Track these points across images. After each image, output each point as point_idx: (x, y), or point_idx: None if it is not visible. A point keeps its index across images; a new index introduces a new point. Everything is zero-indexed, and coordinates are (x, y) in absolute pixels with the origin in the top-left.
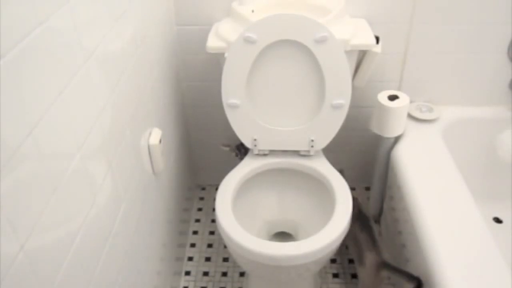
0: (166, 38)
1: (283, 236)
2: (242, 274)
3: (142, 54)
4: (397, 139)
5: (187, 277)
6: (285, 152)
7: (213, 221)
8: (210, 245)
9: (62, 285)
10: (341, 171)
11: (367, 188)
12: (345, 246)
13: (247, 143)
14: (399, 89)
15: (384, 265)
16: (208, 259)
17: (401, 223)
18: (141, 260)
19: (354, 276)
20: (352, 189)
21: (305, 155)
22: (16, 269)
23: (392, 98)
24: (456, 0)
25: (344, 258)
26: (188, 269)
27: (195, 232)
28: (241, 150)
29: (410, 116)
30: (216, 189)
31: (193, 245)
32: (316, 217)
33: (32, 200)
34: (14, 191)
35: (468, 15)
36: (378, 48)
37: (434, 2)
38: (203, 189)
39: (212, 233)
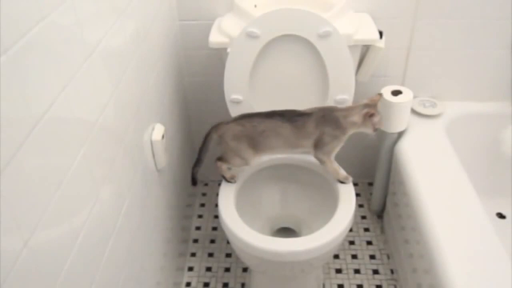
0: (168, 33)
1: (286, 231)
2: (245, 269)
3: (144, 49)
4: (400, 134)
5: (190, 273)
6: None
7: (216, 216)
8: (213, 241)
9: (67, 281)
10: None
11: (370, 184)
12: (347, 241)
13: None
14: (402, 84)
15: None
16: (211, 254)
17: (404, 219)
18: (144, 255)
19: (357, 271)
20: (355, 184)
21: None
22: (20, 266)
23: (396, 93)
24: None
25: (347, 254)
26: (191, 264)
27: (198, 228)
28: None
29: (414, 112)
30: (219, 184)
31: (196, 240)
32: (319, 212)
33: (36, 196)
34: (18, 187)
35: (471, 10)
36: (381, 43)
37: None
38: (206, 184)
39: (215, 228)
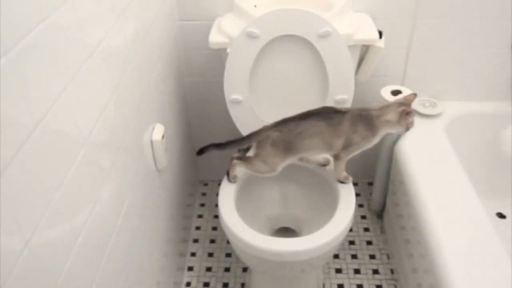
0: (168, 33)
1: (286, 231)
2: (245, 269)
3: (144, 49)
4: (400, 134)
5: (190, 273)
6: None
7: (216, 216)
8: (212, 241)
9: (67, 281)
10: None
11: (370, 184)
12: (347, 241)
13: None
14: (402, 84)
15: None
16: (211, 254)
17: (405, 218)
18: (145, 255)
19: (357, 271)
20: (355, 184)
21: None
22: (21, 266)
23: (395, 93)
24: None
25: (347, 254)
26: (191, 264)
27: (197, 228)
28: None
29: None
30: (219, 184)
31: (196, 240)
32: (319, 212)
33: (37, 197)
34: (18, 187)
35: (471, 10)
36: (381, 43)
37: None
38: (206, 184)
39: (214, 228)
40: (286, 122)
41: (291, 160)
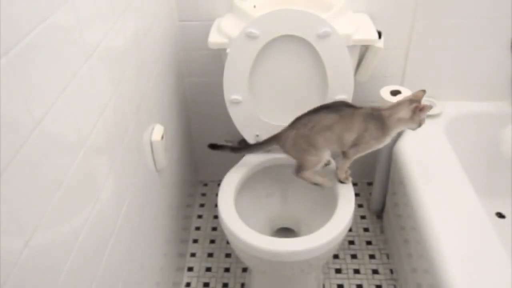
0: (168, 33)
1: (285, 232)
2: (244, 269)
3: (144, 50)
4: (399, 134)
5: (190, 273)
6: None
7: (215, 217)
8: (212, 241)
9: (67, 281)
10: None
11: (370, 184)
12: (347, 241)
13: (249, 139)
14: (401, 84)
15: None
16: (210, 255)
17: (404, 218)
18: (144, 256)
19: (356, 271)
20: (354, 184)
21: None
22: (21, 266)
23: (395, 93)
24: None
25: (347, 254)
26: (190, 265)
27: (197, 228)
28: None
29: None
30: (218, 185)
31: (195, 241)
32: (318, 213)
33: (37, 197)
34: (18, 187)
35: (471, 10)
36: (380, 43)
37: None
38: (205, 185)
39: (214, 229)
40: (299, 118)
41: (325, 149)
